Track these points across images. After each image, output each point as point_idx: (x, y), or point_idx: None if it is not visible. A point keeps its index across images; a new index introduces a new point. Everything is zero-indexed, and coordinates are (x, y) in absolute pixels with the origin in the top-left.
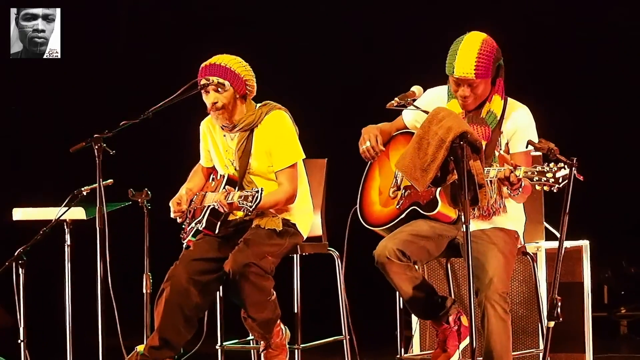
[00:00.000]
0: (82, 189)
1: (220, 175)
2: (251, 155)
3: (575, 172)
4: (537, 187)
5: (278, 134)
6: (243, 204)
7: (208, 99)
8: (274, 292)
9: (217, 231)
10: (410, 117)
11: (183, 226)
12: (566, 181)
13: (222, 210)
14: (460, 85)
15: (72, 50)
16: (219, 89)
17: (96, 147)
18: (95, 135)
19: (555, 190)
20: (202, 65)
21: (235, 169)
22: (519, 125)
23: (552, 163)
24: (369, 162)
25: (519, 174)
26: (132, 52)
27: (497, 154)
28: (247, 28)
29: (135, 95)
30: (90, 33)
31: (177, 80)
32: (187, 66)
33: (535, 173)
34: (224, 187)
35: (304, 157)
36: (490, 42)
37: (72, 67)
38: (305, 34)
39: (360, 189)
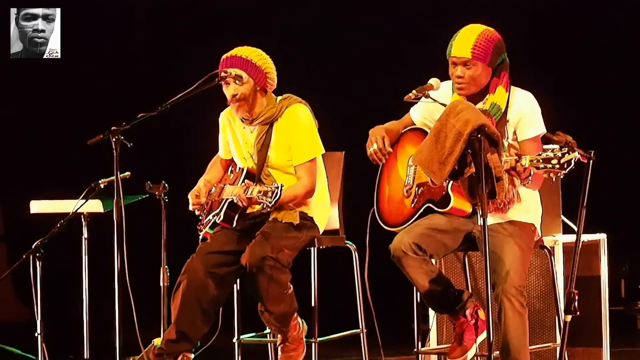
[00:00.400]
0: (100, 181)
1: (239, 168)
2: (270, 149)
3: (578, 155)
4: (545, 175)
5: (298, 128)
6: (262, 199)
7: (228, 90)
8: (291, 286)
9: (234, 224)
10: (419, 115)
11: (200, 218)
12: (572, 166)
13: (241, 204)
14: (456, 66)
15: (72, 50)
16: (238, 81)
17: (114, 139)
18: (113, 128)
19: (561, 177)
20: (223, 57)
21: (254, 162)
22: (523, 112)
23: (557, 147)
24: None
25: (525, 162)
26: (146, 49)
27: (506, 144)
28: (264, 20)
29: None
30: (90, 33)
31: (184, 77)
32: (194, 64)
33: (540, 161)
34: (243, 181)
35: (324, 152)
36: (493, 31)
37: (72, 67)
38: (324, 27)
39: (376, 188)
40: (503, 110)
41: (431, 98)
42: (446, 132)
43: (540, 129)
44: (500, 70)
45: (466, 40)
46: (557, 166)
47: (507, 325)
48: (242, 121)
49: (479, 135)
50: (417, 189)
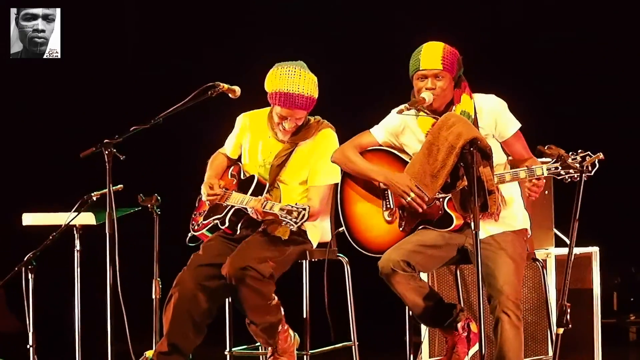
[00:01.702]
0: (92, 194)
1: (248, 174)
2: (288, 164)
3: (601, 155)
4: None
5: (325, 152)
6: (285, 217)
7: (286, 125)
8: (275, 297)
9: (238, 231)
10: (382, 134)
11: (194, 216)
12: (597, 167)
13: (255, 217)
14: (425, 79)
15: (72, 50)
16: (299, 120)
17: (106, 152)
18: (106, 141)
19: (585, 179)
20: (279, 89)
21: (267, 172)
22: (495, 114)
23: (573, 152)
24: (339, 186)
25: (542, 172)
26: (140, 54)
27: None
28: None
29: (144, 98)
30: (90, 33)
31: (181, 82)
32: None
33: (560, 168)
34: (254, 191)
35: (339, 181)
36: (450, 46)
37: (72, 67)
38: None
39: (342, 216)
40: (473, 116)
41: (424, 112)
42: (438, 145)
43: (517, 123)
44: (460, 81)
45: (434, 53)
46: (579, 171)
47: (504, 339)
48: (276, 138)
49: (472, 149)
50: (400, 211)
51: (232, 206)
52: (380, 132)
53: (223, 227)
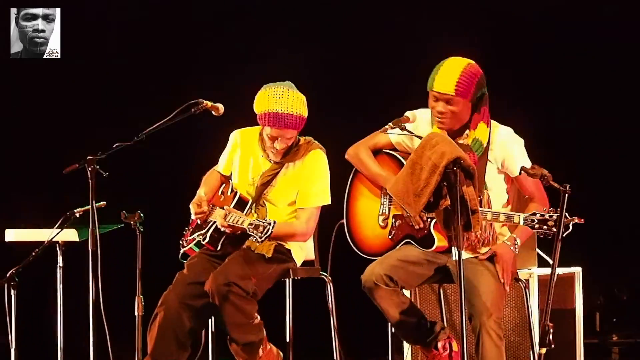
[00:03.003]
0: (75, 210)
1: (232, 191)
2: (275, 183)
3: (577, 219)
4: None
5: (315, 173)
6: (252, 231)
7: (277, 145)
8: (258, 316)
9: (219, 247)
10: (397, 137)
11: (184, 233)
12: (569, 230)
13: (228, 231)
14: (438, 101)
15: (72, 50)
16: (288, 140)
17: (89, 169)
18: (89, 157)
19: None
20: (268, 110)
21: (254, 190)
22: (508, 152)
23: (552, 209)
24: (350, 180)
25: (519, 220)
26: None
27: (487, 180)
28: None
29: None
30: (90, 33)
31: (176, 89)
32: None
33: (536, 221)
34: (244, 211)
35: (329, 202)
36: (475, 66)
37: (72, 67)
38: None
39: (345, 208)
40: (485, 146)
41: (407, 130)
42: (422, 164)
43: (527, 163)
44: (480, 105)
45: (450, 76)
46: (554, 229)
47: (485, 358)
48: (267, 158)
49: (455, 168)
50: (394, 220)
51: (214, 222)
52: (395, 135)
53: (204, 243)
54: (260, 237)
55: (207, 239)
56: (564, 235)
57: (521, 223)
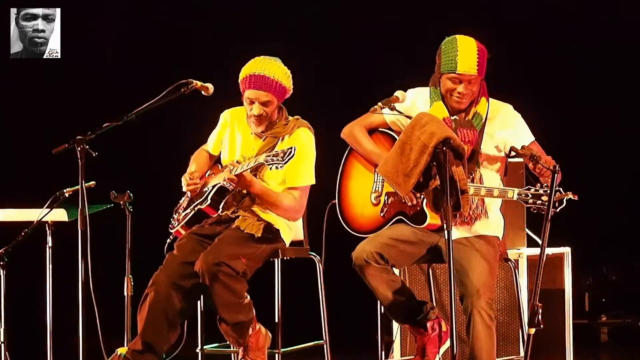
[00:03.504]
0: (65, 190)
1: (222, 168)
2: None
3: (571, 194)
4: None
5: (303, 151)
6: (273, 160)
7: (253, 109)
8: (248, 296)
9: (220, 210)
10: (392, 116)
11: (173, 217)
12: (563, 205)
13: (232, 187)
14: (460, 83)
15: (72, 50)
16: (266, 107)
17: (79, 148)
18: (78, 137)
19: (551, 215)
20: (248, 73)
21: None
22: (513, 127)
23: (546, 185)
24: (344, 158)
25: (513, 195)
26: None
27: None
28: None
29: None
30: (90, 33)
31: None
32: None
33: (530, 196)
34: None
35: (314, 183)
36: (480, 43)
37: (72, 67)
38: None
39: (337, 186)
40: (484, 120)
41: (397, 110)
42: (411, 144)
43: (531, 135)
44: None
45: (470, 56)
46: (544, 206)
47: (476, 339)
48: (255, 133)
49: (444, 148)
50: (386, 198)
51: (215, 185)
52: (390, 114)
53: (204, 207)
54: (283, 160)
55: (208, 202)
56: (557, 210)
57: (515, 198)
